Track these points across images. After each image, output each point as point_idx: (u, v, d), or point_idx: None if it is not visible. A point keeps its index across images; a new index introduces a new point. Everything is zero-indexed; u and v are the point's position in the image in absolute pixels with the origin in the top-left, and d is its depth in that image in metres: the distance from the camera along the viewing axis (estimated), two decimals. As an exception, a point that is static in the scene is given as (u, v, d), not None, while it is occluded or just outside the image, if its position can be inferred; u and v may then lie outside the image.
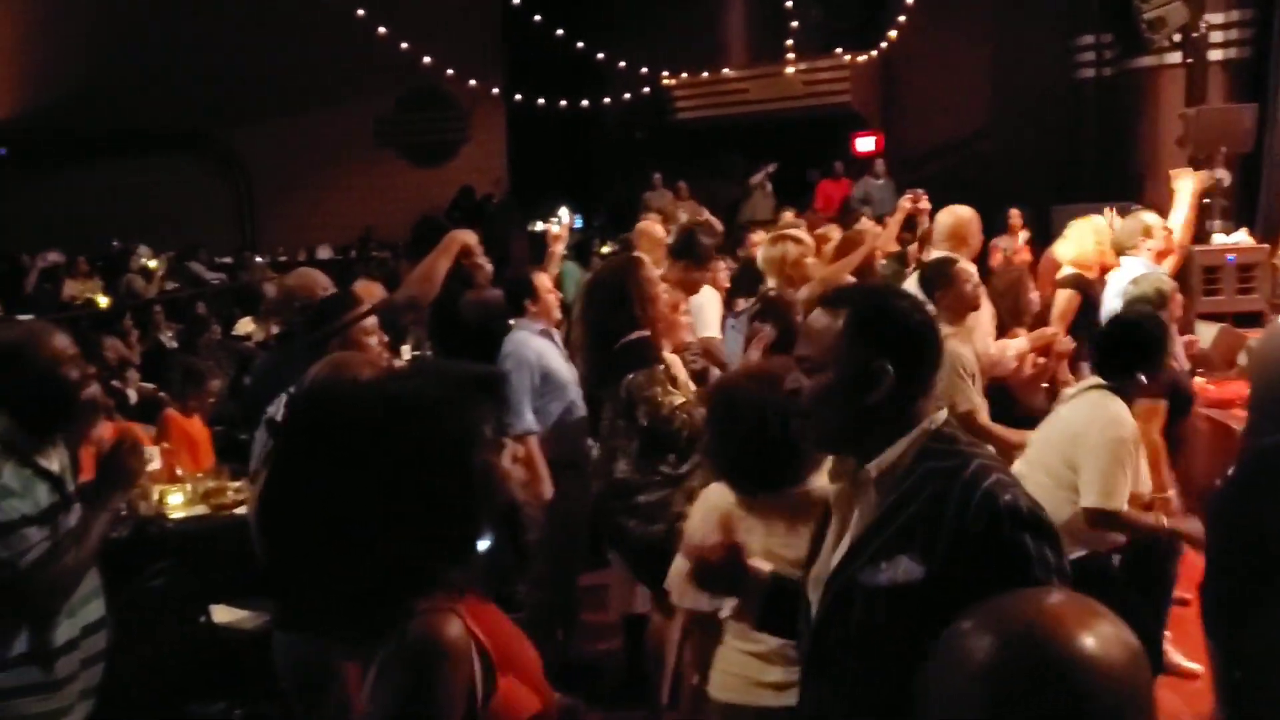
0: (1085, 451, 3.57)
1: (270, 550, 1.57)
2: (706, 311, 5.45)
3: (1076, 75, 12.98)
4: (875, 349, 1.85)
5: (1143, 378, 3.68)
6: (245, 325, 10.69)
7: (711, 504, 2.79)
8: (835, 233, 7.64)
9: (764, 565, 2.13)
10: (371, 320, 3.45)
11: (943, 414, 1.90)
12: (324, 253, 16.78)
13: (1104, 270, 5.55)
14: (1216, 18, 10.65)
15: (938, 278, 4.57)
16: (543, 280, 4.63)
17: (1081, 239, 5.63)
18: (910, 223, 8.29)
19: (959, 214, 5.34)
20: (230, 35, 16.58)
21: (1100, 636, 1.06)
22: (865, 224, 8.40)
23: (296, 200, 17.90)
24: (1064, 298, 5.41)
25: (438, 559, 1.53)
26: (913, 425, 1.85)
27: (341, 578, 1.50)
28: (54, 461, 2.75)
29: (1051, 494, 3.53)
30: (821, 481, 2.55)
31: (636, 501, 3.76)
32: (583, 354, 4.05)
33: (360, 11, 13.97)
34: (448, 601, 1.52)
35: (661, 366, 3.84)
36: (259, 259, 15.70)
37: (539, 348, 4.30)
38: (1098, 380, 3.77)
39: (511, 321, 4.62)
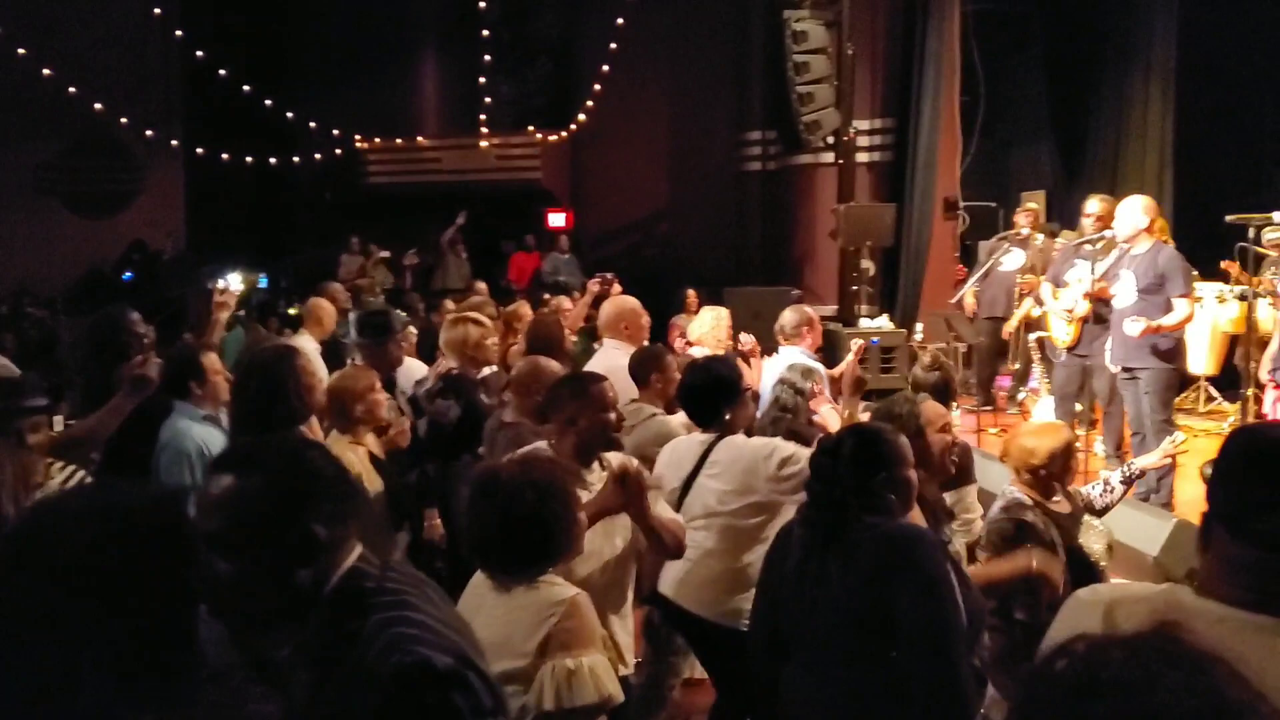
0: (781, 477, 3.73)
1: None
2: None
3: (744, 167, 13.95)
4: (301, 515, 1.62)
5: (729, 413, 3.94)
6: None
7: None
8: (525, 309, 7.80)
9: None
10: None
11: (354, 555, 1.71)
12: (-29, 307, 15.23)
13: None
14: (863, 124, 11.87)
15: (650, 362, 4.76)
16: (211, 360, 4.37)
17: (703, 323, 6.18)
18: (600, 302, 8.63)
19: (621, 305, 5.65)
20: None
21: None
22: (558, 300, 8.72)
23: (-58, 248, 16.19)
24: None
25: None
26: (325, 587, 1.65)
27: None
28: None
29: (735, 556, 3.74)
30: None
31: None
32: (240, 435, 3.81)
33: (21, 50, 13.04)
34: None
35: None
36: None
37: (201, 437, 3.97)
38: (705, 439, 3.95)
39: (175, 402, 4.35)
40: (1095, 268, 6.54)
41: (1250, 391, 6.50)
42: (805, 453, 3.69)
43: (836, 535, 2.74)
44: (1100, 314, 6.62)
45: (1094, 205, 7.10)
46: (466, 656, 1.61)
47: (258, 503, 1.61)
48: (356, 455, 4.15)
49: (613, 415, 3.35)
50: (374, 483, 4.10)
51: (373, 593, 1.64)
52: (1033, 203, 9.98)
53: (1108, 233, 6.58)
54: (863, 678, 2.68)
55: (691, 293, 10.70)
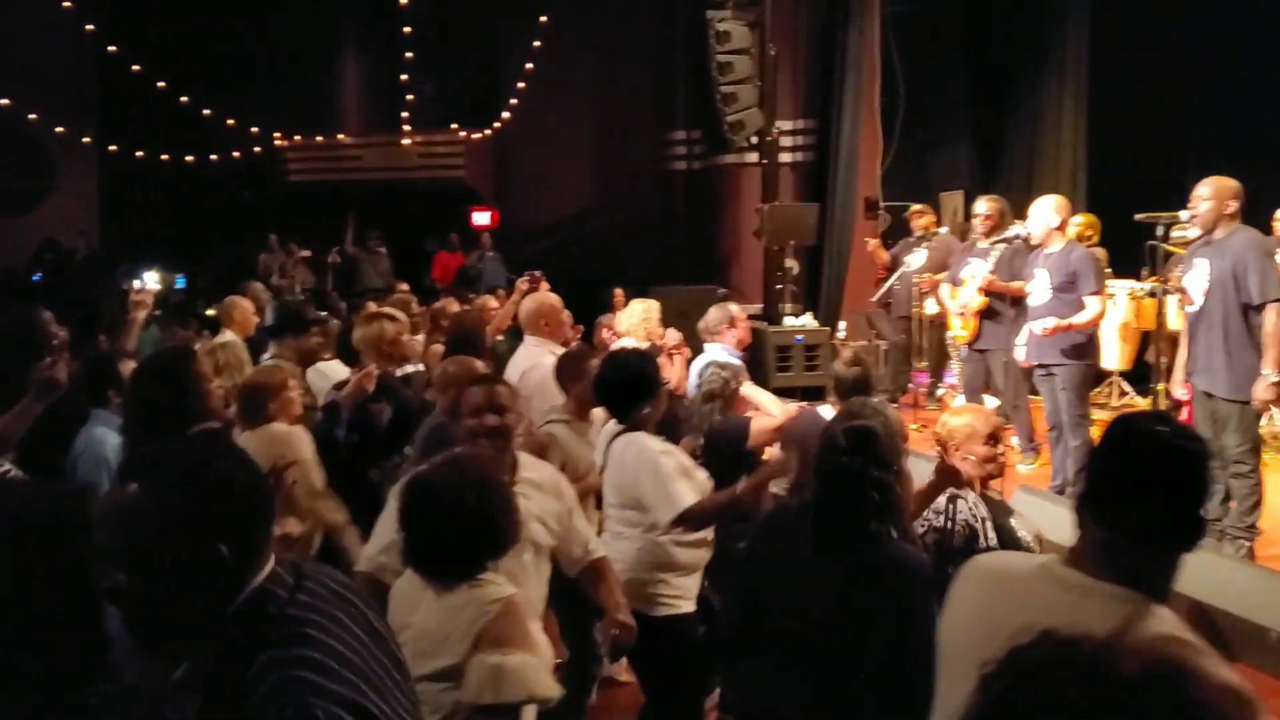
0: (642, 490, 3.77)
1: None
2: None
3: (669, 166, 13.99)
4: (205, 532, 1.52)
5: (647, 408, 3.93)
6: None
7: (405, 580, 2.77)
8: (453, 305, 7.77)
9: None
10: None
11: (264, 572, 1.60)
12: None
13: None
14: (786, 124, 11.98)
15: (571, 368, 4.65)
16: (129, 368, 4.29)
17: (633, 314, 6.19)
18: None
19: (540, 302, 5.63)
20: None
21: None
22: (483, 299, 8.66)
23: None
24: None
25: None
26: (229, 607, 1.55)
27: None
28: None
29: (640, 541, 3.79)
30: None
31: None
32: (133, 436, 3.60)
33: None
34: None
35: None
36: None
37: (119, 445, 3.83)
38: (616, 428, 3.98)
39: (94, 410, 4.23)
40: (987, 263, 6.92)
41: (1160, 386, 6.69)
42: (687, 492, 3.74)
43: (850, 531, 2.76)
44: (995, 308, 6.96)
45: (982, 206, 7.57)
46: (359, 704, 1.49)
47: (157, 517, 1.50)
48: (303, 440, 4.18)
49: (481, 420, 3.26)
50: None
51: (274, 620, 1.53)
52: (918, 204, 10.14)
53: (1015, 231, 6.84)
54: (838, 679, 2.72)
55: (619, 291, 10.68)
